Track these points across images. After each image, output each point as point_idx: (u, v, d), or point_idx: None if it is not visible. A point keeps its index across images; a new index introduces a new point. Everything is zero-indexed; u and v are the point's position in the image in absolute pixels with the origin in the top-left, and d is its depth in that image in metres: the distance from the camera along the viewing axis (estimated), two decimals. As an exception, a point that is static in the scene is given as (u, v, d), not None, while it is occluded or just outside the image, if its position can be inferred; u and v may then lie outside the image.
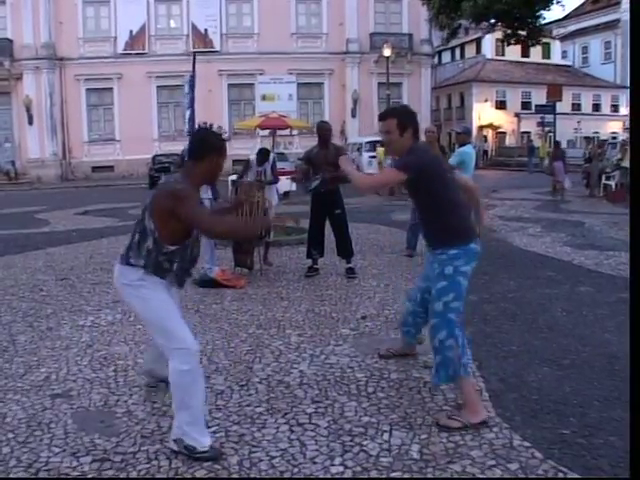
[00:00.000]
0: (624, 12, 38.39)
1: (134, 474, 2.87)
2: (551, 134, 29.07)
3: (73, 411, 3.50)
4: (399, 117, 3.50)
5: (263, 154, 8.01)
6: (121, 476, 2.86)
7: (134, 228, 3.10)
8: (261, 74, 30.21)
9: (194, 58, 7.63)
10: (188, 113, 7.49)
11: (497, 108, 39.85)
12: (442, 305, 3.37)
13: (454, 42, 34.14)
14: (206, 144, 3.08)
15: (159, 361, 3.39)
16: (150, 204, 3.01)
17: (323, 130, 7.17)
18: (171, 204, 2.91)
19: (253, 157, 8.00)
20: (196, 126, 7.32)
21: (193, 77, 7.40)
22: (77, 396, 3.75)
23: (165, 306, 3.04)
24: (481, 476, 2.80)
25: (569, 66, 46.02)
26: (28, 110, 28.84)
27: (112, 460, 2.99)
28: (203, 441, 2.98)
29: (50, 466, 2.94)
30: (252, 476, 2.85)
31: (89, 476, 2.86)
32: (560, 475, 2.79)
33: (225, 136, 3.24)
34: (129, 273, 3.02)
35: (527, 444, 3.06)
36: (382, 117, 3.57)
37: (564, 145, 32.99)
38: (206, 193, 7.28)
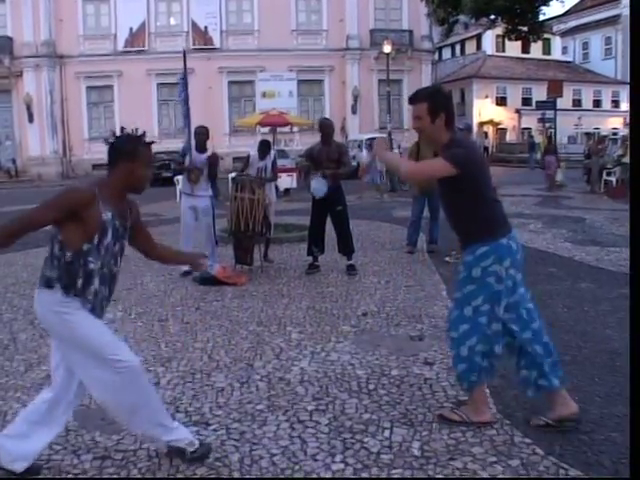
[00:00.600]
0: (624, 7, 38.25)
1: (135, 472, 2.87)
2: (552, 130, 29.01)
3: (74, 408, 3.49)
4: (430, 101, 3.13)
5: (265, 145, 7.96)
6: (122, 474, 2.86)
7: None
8: (261, 71, 30.22)
9: (184, 55, 7.65)
10: (184, 110, 7.51)
11: (498, 104, 39.78)
12: (471, 310, 3.13)
13: (454, 38, 34.08)
14: (115, 149, 2.73)
15: None
16: None
17: (325, 127, 7.15)
18: None
19: (254, 153, 7.94)
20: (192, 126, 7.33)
21: (185, 74, 7.41)
22: (78, 394, 3.74)
23: (96, 327, 2.71)
24: (482, 473, 2.80)
25: (570, 62, 45.93)
26: (28, 108, 28.84)
27: (113, 458, 2.99)
28: (176, 436, 2.84)
29: (51, 464, 2.94)
30: (253, 473, 2.85)
31: (90, 474, 2.86)
32: (561, 472, 2.79)
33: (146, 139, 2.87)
34: (47, 296, 2.65)
35: (528, 440, 3.06)
36: (412, 100, 3.21)
37: (565, 141, 33.07)
38: (206, 191, 7.27)
